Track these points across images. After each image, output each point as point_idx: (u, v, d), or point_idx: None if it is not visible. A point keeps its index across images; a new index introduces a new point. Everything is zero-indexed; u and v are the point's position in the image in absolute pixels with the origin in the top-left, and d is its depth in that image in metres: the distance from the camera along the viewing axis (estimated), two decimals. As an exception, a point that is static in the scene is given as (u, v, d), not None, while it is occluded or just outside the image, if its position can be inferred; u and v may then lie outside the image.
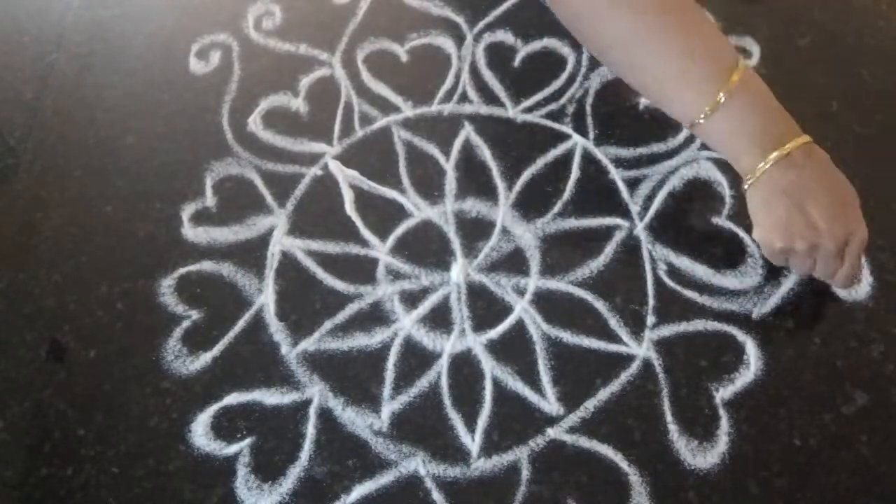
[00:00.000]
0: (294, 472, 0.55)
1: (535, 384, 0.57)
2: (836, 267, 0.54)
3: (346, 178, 0.67)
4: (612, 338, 0.59)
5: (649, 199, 0.65)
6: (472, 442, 0.55)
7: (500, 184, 0.67)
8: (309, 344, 0.60)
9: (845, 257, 0.54)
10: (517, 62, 0.74)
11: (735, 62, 0.53)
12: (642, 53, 0.55)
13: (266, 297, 0.62)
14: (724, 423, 0.55)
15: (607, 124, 0.70)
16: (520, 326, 0.60)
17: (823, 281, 0.57)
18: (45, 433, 0.57)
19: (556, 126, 0.70)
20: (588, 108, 0.71)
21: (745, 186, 0.55)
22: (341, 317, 0.61)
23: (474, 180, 0.67)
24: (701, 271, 0.61)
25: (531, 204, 0.66)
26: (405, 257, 0.64)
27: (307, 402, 0.57)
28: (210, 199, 0.68)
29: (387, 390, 0.58)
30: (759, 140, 0.53)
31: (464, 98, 0.72)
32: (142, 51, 0.79)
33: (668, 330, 0.59)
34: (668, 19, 0.54)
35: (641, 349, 0.58)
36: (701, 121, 0.54)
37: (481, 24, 0.77)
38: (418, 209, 0.66)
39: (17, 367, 0.60)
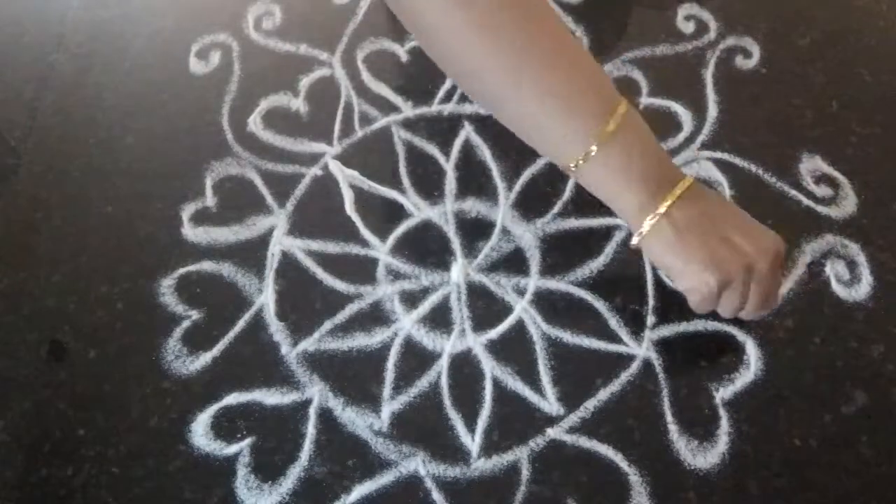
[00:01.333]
0: (294, 472, 0.55)
1: (535, 384, 0.57)
2: (768, 289, 0.50)
3: (346, 178, 0.67)
4: (612, 338, 0.59)
5: (649, 199, 0.65)
6: (472, 442, 0.55)
7: (500, 184, 0.67)
8: (309, 344, 0.60)
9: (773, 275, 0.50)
10: (517, 62, 0.74)
11: (610, 98, 0.46)
12: (492, 74, 0.45)
13: (266, 297, 0.62)
14: (724, 423, 0.55)
15: (607, 124, 0.69)
16: (520, 326, 0.60)
17: (745, 318, 0.53)
18: (45, 433, 0.57)
19: (556, 126, 0.70)
20: (588, 108, 0.70)
21: (635, 242, 0.49)
22: (341, 317, 0.61)
23: (474, 180, 0.67)
24: (701, 271, 0.61)
25: (531, 204, 0.66)
26: (405, 257, 0.64)
27: (307, 402, 0.57)
28: (210, 199, 0.68)
29: (387, 390, 0.58)
30: (645, 182, 0.46)
31: (464, 98, 0.72)
32: (142, 51, 0.79)
33: (668, 330, 0.59)
34: (521, 30, 0.44)
35: (641, 349, 0.58)
36: (573, 169, 0.47)
37: (481, 24, 0.77)
38: (418, 209, 0.66)
39: (17, 367, 0.60)
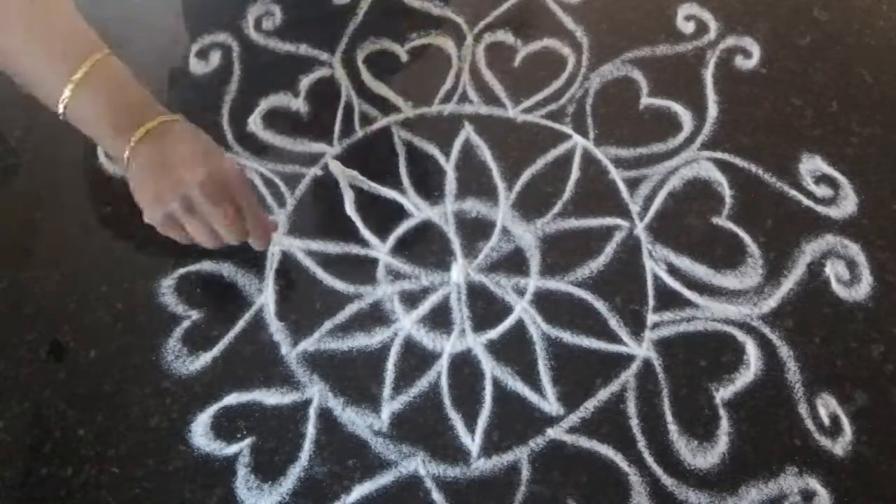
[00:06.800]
0: (294, 472, 0.55)
1: (535, 384, 0.57)
2: (221, 215, 0.53)
3: (346, 178, 0.67)
4: (612, 338, 0.59)
5: (649, 199, 0.65)
6: (472, 442, 0.55)
7: (500, 184, 0.67)
8: (309, 344, 0.60)
9: (235, 202, 0.53)
10: (517, 62, 0.74)
11: (91, 47, 0.51)
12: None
13: (266, 297, 0.62)
14: (724, 423, 0.55)
15: (607, 124, 0.70)
16: (520, 326, 0.60)
17: (241, 243, 0.55)
18: (45, 433, 0.57)
19: (556, 126, 0.70)
20: (588, 108, 0.71)
21: (127, 175, 0.54)
22: (341, 317, 0.61)
23: (474, 180, 0.67)
24: (701, 271, 0.61)
25: (531, 204, 0.66)
26: (405, 257, 0.64)
27: (307, 402, 0.57)
28: (210, 199, 0.68)
29: (387, 390, 0.58)
30: (118, 125, 0.52)
31: (464, 98, 0.72)
32: (142, 51, 0.79)
33: (668, 330, 0.59)
34: None
35: (641, 349, 0.58)
36: (62, 109, 0.52)
37: (481, 25, 0.77)
38: (418, 209, 0.66)
39: (17, 367, 0.60)
